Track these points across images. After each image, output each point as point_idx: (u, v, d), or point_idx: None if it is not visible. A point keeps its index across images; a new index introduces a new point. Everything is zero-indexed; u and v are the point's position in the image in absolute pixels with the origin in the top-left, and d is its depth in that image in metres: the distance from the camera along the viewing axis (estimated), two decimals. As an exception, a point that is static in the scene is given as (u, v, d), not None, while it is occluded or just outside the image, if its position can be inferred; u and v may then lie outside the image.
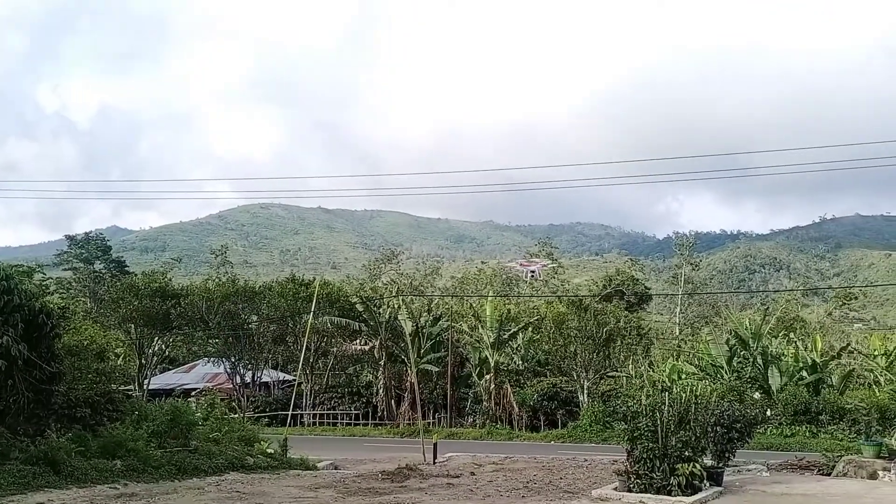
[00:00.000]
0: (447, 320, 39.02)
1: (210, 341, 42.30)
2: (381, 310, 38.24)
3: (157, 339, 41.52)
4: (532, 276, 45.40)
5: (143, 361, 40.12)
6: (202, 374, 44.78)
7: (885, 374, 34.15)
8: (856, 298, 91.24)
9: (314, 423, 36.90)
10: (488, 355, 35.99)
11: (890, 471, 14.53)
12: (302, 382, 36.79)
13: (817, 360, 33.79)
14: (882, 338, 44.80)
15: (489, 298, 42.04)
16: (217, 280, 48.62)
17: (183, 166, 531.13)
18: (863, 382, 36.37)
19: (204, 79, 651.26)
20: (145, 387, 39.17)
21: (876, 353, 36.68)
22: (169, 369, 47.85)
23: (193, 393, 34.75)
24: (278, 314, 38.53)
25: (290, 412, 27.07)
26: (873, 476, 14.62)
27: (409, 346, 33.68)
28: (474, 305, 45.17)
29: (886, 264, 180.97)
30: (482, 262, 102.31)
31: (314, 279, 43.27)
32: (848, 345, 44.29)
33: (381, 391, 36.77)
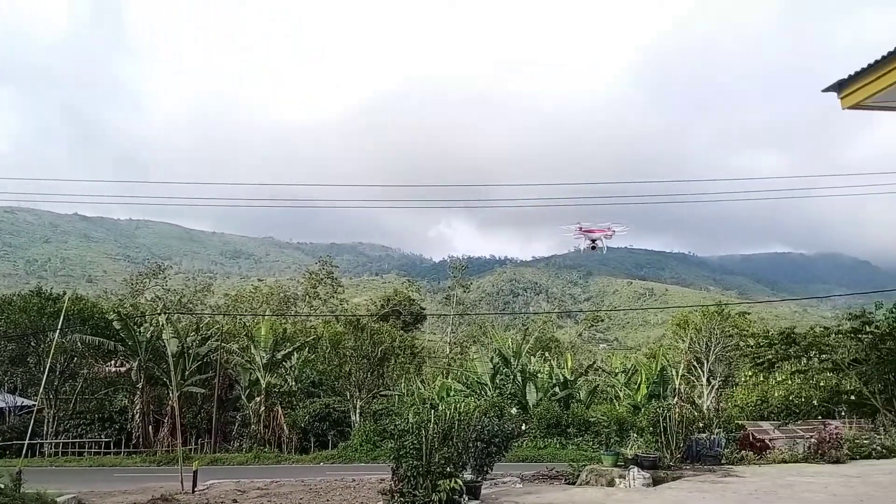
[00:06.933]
0: (217, 340, 37.14)
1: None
2: (142, 328, 35.46)
3: None
4: (593, 247, 37.19)
5: None
6: (-85, 400, 38.23)
7: (624, 390, 38.30)
8: (602, 321, 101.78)
9: (56, 454, 33.00)
10: (260, 377, 34.78)
11: (625, 478, 16.12)
12: (43, 408, 32.86)
13: (568, 377, 37.02)
14: (623, 357, 50.38)
15: (264, 318, 40.77)
16: (-59, 292, 41.95)
17: None
18: (605, 397, 40.40)
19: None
20: None
21: (617, 370, 41.08)
22: None
23: None
24: (18, 331, 34.23)
25: (26, 441, 23.96)
26: (611, 483, 16.09)
27: (172, 368, 31.46)
28: (248, 325, 43.52)
29: (628, 291, 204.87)
30: (259, 280, 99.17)
31: (64, 293, 38.95)
32: (594, 363, 49.11)
33: (137, 416, 33.90)
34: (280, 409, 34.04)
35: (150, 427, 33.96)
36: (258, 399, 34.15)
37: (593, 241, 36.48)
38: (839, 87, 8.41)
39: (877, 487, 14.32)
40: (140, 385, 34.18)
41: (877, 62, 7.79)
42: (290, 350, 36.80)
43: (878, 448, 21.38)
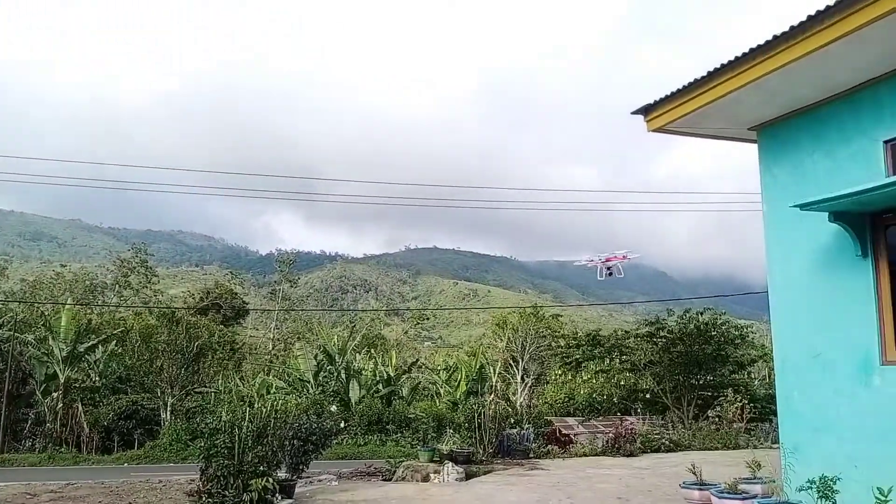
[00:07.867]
0: (9, 329, 33.54)
1: None
2: (-85, 315, 31.25)
3: None
4: (609, 273, 36.40)
5: None
6: None
7: (445, 387, 39.34)
8: (428, 319, 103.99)
9: None
10: (58, 370, 31.87)
11: (440, 473, 16.56)
12: None
13: (392, 374, 37.40)
14: (445, 354, 51.76)
15: (66, 306, 37.40)
16: None
17: None
18: (427, 394, 41.25)
19: None
20: None
21: (439, 367, 42.11)
22: None
23: None
24: None
25: None
26: (426, 479, 16.45)
27: (-48, 360, 28.09)
28: (47, 314, 39.68)
29: (454, 291, 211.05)
30: (62, 265, 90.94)
31: None
32: (417, 360, 50.02)
33: None
34: (81, 405, 31.37)
35: (-79, 427, 30.01)
36: (55, 395, 31.30)
37: (609, 268, 38.03)
38: (645, 111, 9.18)
39: (664, 478, 15.78)
40: None
41: (677, 91, 8.60)
42: (94, 342, 34.09)
43: (667, 442, 23.63)
